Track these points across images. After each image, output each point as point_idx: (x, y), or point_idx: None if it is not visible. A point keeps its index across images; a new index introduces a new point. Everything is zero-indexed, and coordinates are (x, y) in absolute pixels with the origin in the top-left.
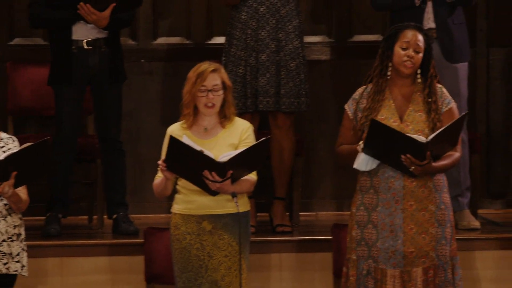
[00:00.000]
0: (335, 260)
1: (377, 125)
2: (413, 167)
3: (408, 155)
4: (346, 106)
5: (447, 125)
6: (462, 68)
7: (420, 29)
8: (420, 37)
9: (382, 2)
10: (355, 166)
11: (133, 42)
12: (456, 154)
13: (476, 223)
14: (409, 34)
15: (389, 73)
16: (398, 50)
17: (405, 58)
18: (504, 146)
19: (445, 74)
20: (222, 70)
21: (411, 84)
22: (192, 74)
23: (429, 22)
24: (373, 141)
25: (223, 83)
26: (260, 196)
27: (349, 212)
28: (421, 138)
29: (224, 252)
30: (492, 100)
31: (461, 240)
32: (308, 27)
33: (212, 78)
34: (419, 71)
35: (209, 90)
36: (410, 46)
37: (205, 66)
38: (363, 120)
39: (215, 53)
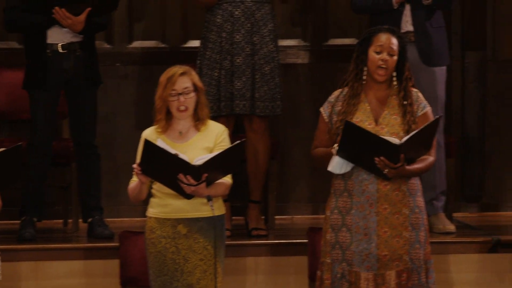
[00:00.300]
0: (310, 264)
1: (351, 127)
2: (386, 170)
3: (382, 158)
4: (321, 109)
5: (421, 127)
6: (440, 72)
7: (393, 32)
8: (394, 40)
9: (362, 5)
10: (329, 168)
11: (108, 46)
12: (431, 159)
13: (451, 227)
14: (382, 38)
15: (364, 77)
16: (372, 54)
17: (380, 62)
18: (479, 150)
19: (422, 78)
20: (193, 73)
21: (387, 88)
22: (162, 79)
23: (407, 25)
24: (347, 143)
25: (194, 85)
26: (235, 199)
27: (324, 216)
28: (395, 140)
29: (200, 255)
30: (467, 104)
31: (436, 244)
32: (283, 31)
33: (182, 81)
34: (394, 74)
35: (180, 94)
36: (384, 49)
37: (175, 69)
38: (338, 123)
39: (190, 57)
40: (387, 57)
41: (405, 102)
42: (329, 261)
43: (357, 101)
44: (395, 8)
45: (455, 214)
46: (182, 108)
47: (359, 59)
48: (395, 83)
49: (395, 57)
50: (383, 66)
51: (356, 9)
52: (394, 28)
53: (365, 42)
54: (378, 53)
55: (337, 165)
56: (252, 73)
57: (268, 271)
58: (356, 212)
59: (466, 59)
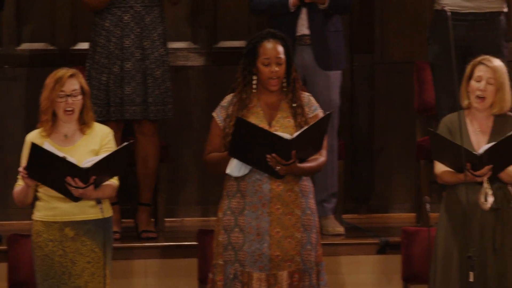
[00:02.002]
0: (200, 266)
1: (242, 123)
2: (278, 167)
3: (273, 155)
4: (214, 114)
5: (313, 123)
6: (335, 76)
7: (276, 37)
8: (280, 48)
9: (259, 8)
10: (227, 171)
11: None
12: (322, 159)
13: (341, 229)
14: (267, 49)
15: (254, 86)
16: (261, 67)
17: (270, 75)
18: (368, 152)
19: (317, 81)
20: (80, 75)
21: (279, 94)
22: (49, 80)
23: (303, 28)
24: (239, 141)
25: (82, 88)
26: (125, 202)
27: (215, 218)
28: (287, 136)
29: (87, 258)
30: (356, 106)
31: (326, 245)
32: (173, 33)
33: (70, 83)
34: (284, 76)
35: (68, 95)
36: (271, 61)
37: (63, 71)
38: (231, 127)
39: (79, 59)
40: (276, 68)
41: (294, 105)
42: (221, 262)
43: (250, 106)
44: (292, 11)
45: (344, 216)
46: (69, 109)
47: (247, 71)
48: (285, 85)
49: (284, 65)
50: (274, 77)
51: (254, 11)
52: (275, 32)
53: (251, 53)
54: (266, 65)
55: (235, 167)
56: (143, 78)
57: (158, 274)
58: (249, 212)
59: (354, 62)
